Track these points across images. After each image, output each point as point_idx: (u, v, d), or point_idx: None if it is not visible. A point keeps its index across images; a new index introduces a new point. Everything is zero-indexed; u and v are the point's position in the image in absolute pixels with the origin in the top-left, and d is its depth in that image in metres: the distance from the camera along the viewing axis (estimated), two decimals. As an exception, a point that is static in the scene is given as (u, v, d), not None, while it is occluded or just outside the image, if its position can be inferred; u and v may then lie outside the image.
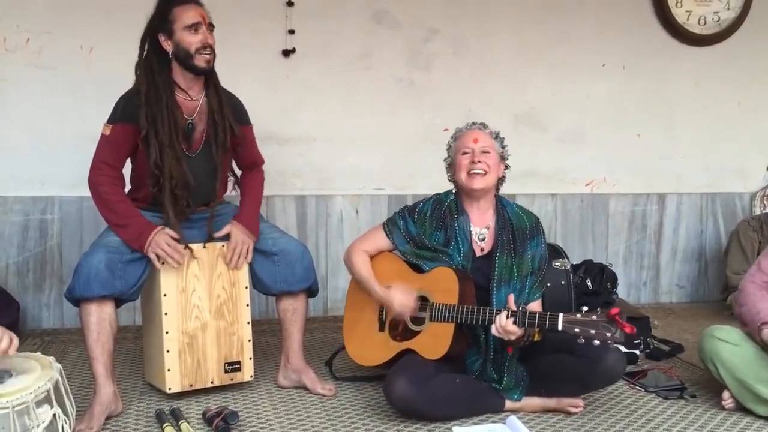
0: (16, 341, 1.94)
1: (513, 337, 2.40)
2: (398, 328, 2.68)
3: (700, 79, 4.39)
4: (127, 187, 2.74)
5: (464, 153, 2.67)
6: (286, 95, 3.88)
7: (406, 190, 4.06)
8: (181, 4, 2.60)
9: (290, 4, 3.81)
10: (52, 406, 1.93)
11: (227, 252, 2.71)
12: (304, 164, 3.96)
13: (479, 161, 2.63)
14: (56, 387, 1.97)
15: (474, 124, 2.75)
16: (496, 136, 2.73)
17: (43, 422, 1.90)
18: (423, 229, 2.71)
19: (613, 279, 3.53)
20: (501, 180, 2.75)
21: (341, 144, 3.99)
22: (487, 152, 2.66)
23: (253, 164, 2.93)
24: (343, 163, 4.00)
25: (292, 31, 3.84)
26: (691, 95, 4.40)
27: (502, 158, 2.72)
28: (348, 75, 3.96)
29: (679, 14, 4.29)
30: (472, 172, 2.63)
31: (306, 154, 3.95)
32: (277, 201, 3.91)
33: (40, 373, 1.96)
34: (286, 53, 3.85)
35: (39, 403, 1.90)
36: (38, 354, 2.09)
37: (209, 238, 2.72)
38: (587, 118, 4.28)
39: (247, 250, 2.72)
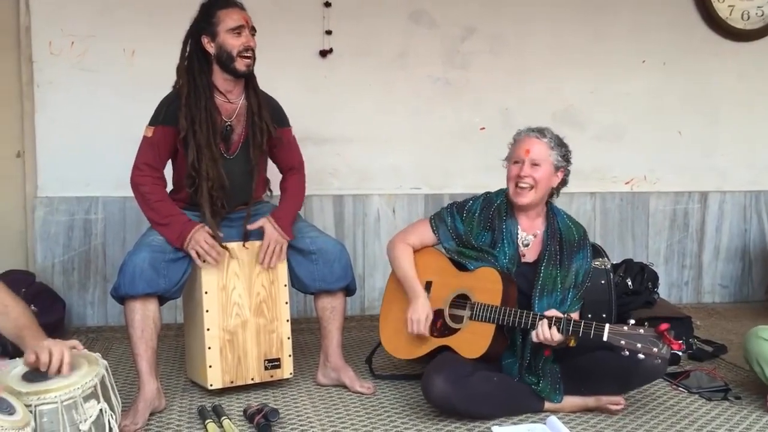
0: (67, 356, 1.97)
1: (554, 344, 2.39)
2: (436, 324, 2.68)
3: (743, 74, 4.30)
4: (169, 188, 2.79)
5: (516, 162, 2.62)
6: (324, 96, 3.90)
7: (442, 190, 4.05)
8: (226, 6, 2.65)
9: (327, 4, 3.84)
10: (98, 402, 1.97)
11: (260, 251, 2.73)
12: (342, 164, 3.98)
13: (525, 175, 2.57)
14: (103, 383, 2.02)
15: (532, 131, 2.64)
16: (554, 146, 2.61)
17: (91, 417, 1.94)
18: (470, 228, 2.69)
19: (654, 278, 3.48)
20: (558, 188, 2.68)
21: (378, 143, 4.00)
22: (537, 165, 2.58)
23: (293, 166, 2.93)
24: (380, 162, 4.01)
25: (329, 32, 3.86)
26: (734, 91, 4.31)
27: (557, 168, 2.62)
28: (385, 75, 3.97)
29: (722, 9, 4.22)
30: (518, 185, 2.59)
31: (343, 153, 3.97)
32: (314, 201, 3.94)
33: (87, 369, 2.01)
34: (324, 54, 3.87)
35: (86, 398, 1.94)
36: (85, 350, 2.14)
37: (246, 237, 2.75)
38: (627, 115, 4.23)
39: (281, 249, 2.74)
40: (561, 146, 2.65)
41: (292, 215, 2.82)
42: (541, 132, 2.64)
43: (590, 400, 2.56)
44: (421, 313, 2.62)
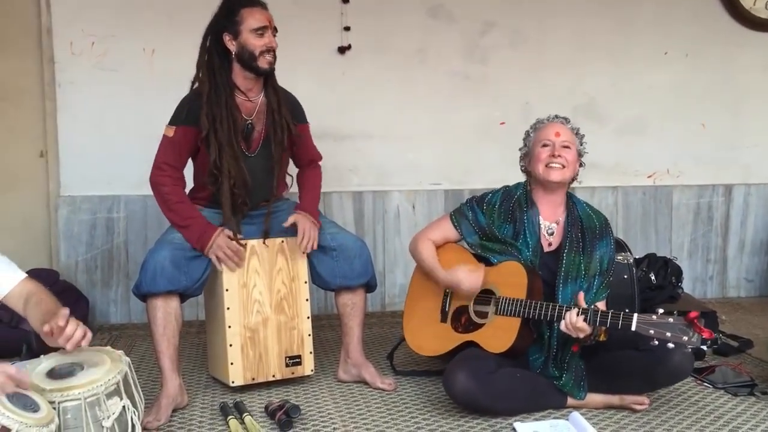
0: (89, 334, 2.01)
1: (582, 335, 2.36)
2: (461, 320, 2.66)
3: (768, 65, 4.25)
4: (189, 186, 2.80)
5: (544, 145, 2.62)
6: (342, 92, 3.90)
7: (463, 185, 4.04)
8: (249, 5, 2.64)
9: (346, 1, 3.83)
10: (121, 398, 1.99)
11: (298, 237, 2.71)
12: (361, 160, 3.98)
13: (559, 155, 2.59)
14: (125, 380, 2.03)
15: (557, 117, 2.70)
16: (577, 133, 2.68)
17: (113, 414, 1.95)
18: (492, 220, 2.68)
19: (678, 273, 3.44)
20: (574, 177, 2.69)
21: (397, 139, 3.99)
22: (568, 147, 2.61)
23: (310, 161, 2.95)
24: (400, 158, 4.00)
25: (347, 28, 3.86)
26: (758, 82, 4.25)
27: (580, 155, 2.67)
28: (403, 70, 3.95)
29: (746, -1, 4.16)
30: (550, 164, 2.59)
31: (362, 150, 3.97)
32: (334, 197, 3.94)
33: (110, 366, 2.02)
34: (342, 50, 3.87)
35: (109, 395, 1.96)
36: (108, 348, 2.16)
37: (266, 234, 2.76)
38: (649, 108, 4.18)
39: (315, 234, 2.74)
40: (579, 136, 2.70)
41: (315, 205, 2.84)
42: (565, 119, 2.71)
43: (614, 399, 2.53)
44: (472, 277, 2.58)
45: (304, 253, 2.75)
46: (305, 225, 2.73)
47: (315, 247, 2.74)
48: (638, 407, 2.52)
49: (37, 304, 2.11)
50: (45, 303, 2.11)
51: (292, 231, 2.74)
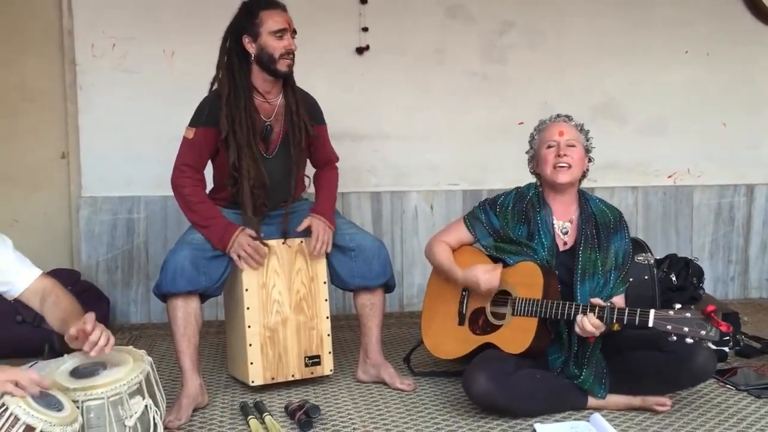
0: (112, 340, 2.02)
1: (597, 333, 2.35)
2: (478, 322, 2.66)
3: (791, 64, 4.20)
4: (210, 186, 2.81)
5: (549, 146, 2.62)
6: (361, 93, 3.90)
7: (481, 185, 4.03)
8: (268, 8, 2.65)
9: (364, 1, 3.83)
10: (144, 398, 2.00)
11: (311, 240, 2.73)
12: (379, 161, 3.98)
13: (565, 155, 2.58)
14: (147, 379, 2.05)
15: (559, 116, 2.70)
16: (581, 129, 2.67)
17: (136, 413, 1.97)
18: (506, 222, 2.68)
19: (699, 273, 3.41)
20: (584, 173, 2.69)
21: (415, 140, 3.99)
22: (573, 146, 2.61)
23: (327, 162, 2.96)
24: (418, 158, 4.00)
25: (365, 29, 3.86)
26: (781, 81, 4.21)
27: (587, 151, 2.67)
28: (422, 71, 3.95)
29: (767, -4, 4.11)
30: (557, 165, 2.58)
31: (380, 150, 3.97)
32: (352, 198, 3.95)
33: (132, 365, 2.04)
34: (360, 51, 3.87)
35: (132, 395, 1.98)
36: (130, 347, 2.18)
37: (284, 234, 2.77)
38: (669, 107, 4.15)
39: (329, 238, 2.75)
40: (584, 131, 2.69)
41: (331, 207, 2.85)
42: (568, 117, 2.70)
43: (636, 400, 2.51)
44: (490, 275, 2.57)
45: (317, 255, 2.75)
46: (319, 228, 2.74)
47: (328, 250, 2.75)
48: (660, 408, 2.50)
49: (55, 303, 2.13)
50: (63, 302, 2.13)
51: (310, 234, 2.75)
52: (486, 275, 2.58)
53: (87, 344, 1.97)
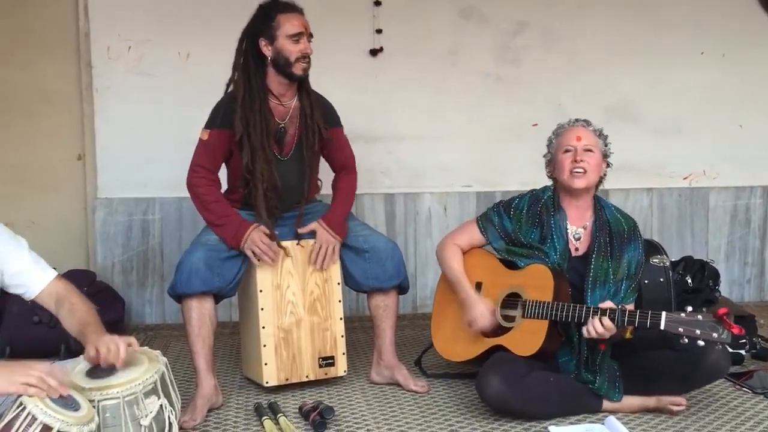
0: (126, 345, 2.02)
1: (606, 336, 2.34)
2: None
3: (807, 64, 4.16)
4: (223, 188, 2.83)
5: (566, 151, 2.60)
6: (374, 94, 3.91)
7: (495, 187, 4.02)
8: (285, 11, 2.65)
9: (377, 3, 3.84)
10: (159, 398, 2.01)
11: (312, 252, 2.74)
12: (393, 162, 3.98)
13: (581, 160, 2.57)
14: (163, 379, 2.06)
15: (577, 121, 2.68)
16: (600, 134, 2.65)
17: (151, 413, 1.98)
18: (519, 225, 2.67)
19: (715, 276, 3.39)
20: (602, 178, 2.67)
21: (429, 141, 3.99)
22: (590, 151, 2.59)
23: (344, 166, 2.94)
24: (432, 160, 4.00)
25: (379, 31, 3.87)
26: (797, 82, 4.17)
27: (605, 156, 2.65)
28: (435, 72, 3.95)
29: (784, -4, 4.08)
30: (574, 171, 2.57)
31: (394, 152, 3.97)
32: (365, 199, 3.95)
33: (147, 365, 2.05)
34: (374, 53, 3.88)
35: (147, 394, 1.99)
36: (145, 348, 2.18)
37: (297, 236, 2.78)
38: (684, 109, 4.12)
39: (333, 250, 2.75)
40: (603, 136, 2.67)
41: (344, 215, 2.83)
42: (586, 122, 2.68)
43: (650, 401, 2.50)
44: (475, 313, 2.60)
45: (315, 267, 2.75)
46: (322, 238, 2.73)
47: (326, 266, 2.75)
48: (676, 408, 2.48)
49: (71, 312, 2.13)
50: (79, 312, 2.13)
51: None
52: (484, 312, 2.58)
53: (102, 361, 1.99)
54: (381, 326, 2.85)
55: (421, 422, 2.48)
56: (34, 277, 2.16)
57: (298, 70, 2.66)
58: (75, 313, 2.12)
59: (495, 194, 3.91)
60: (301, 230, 2.76)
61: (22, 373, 1.79)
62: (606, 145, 2.66)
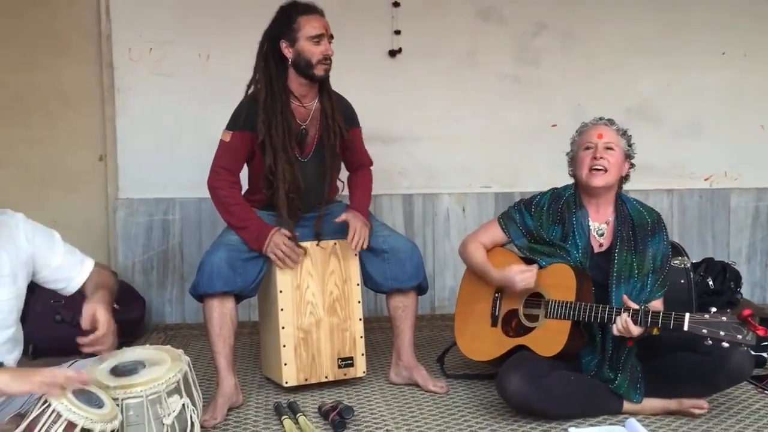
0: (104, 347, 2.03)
1: (635, 334, 2.33)
2: (511, 324, 2.65)
3: (831, 64, 4.11)
4: (244, 188, 2.84)
5: (587, 148, 2.60)
6: (393, 95, 3.91)
7: (513, 188, 4.01)
8: (306, 13, 2.66)
9: (396, 4, 3.85)
10: (181, 396, 2.03)
11: (349, 233, 2.71)
12: (411, 163, 3.99)
13: (601, 157, 2.56)
14: (185, 378, 2.07)
15: (601, 119, 2.67)
16: (623, 134, 2.64)
17: (174, 411, 2.00)
18: (540, 223, 2.67)
19: (737, 278, 3.36)
20: (625, 178, 2.67)
21: (447, 142, 3.98)
22: (611, 149, 2.58)
23: (360, 165, 2.97)
24: (450, 161, 4.00)
25: (398, 32, 3.87)
26: (820, 81, 4.12)
27: (628, 156, 2.64)
28: (454, 73, 3.95)
29: (806, -4, 4.04)
30: (593, 168, 2.57)
31: (412, 152, 3.97)
32: (384, 200, 3.95)
33: (170, 364, 2.07)
34: (393, 54, 3.88)
35: (170, 393, 2.00)
36: (168, 347, 2.20)
37: (318, 236, 2.79)
38: (705, 109, 4.09)
39: (367, 233, 2.75)
40: (627, 136, 2.66)
41: (366, 206, 2.87)
42: (610, 121, 2.68)
43: (672, 403, 2.49)
44: (526, 272, 2.56)
45: (355, 250, 2.75)
46: (356, 224, 2.74)
47: (365, 246, 2.75)
48: (697, 411, 2.47)
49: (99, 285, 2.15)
50: (102, 278, 2.17)
51: (344, 233, 2.76)
52: (522, 275, 2.57)
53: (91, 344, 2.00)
54: (400, 327, 2.86)
55: (440, 423, 2.48)
56: (73, 271, 2.14)
57: (319, 71, 2.67)
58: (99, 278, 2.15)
59: (514, 195, 3.90)
60: (337, 219, 2.74)
61: (42, 374, 1.80)
62: (629, 145, 2.65)
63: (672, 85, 4.06)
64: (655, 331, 2.35)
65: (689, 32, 4.04)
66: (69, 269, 2.13)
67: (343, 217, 2.76)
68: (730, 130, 4.11)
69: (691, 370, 2.41)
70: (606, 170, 2.56)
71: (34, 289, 2.23)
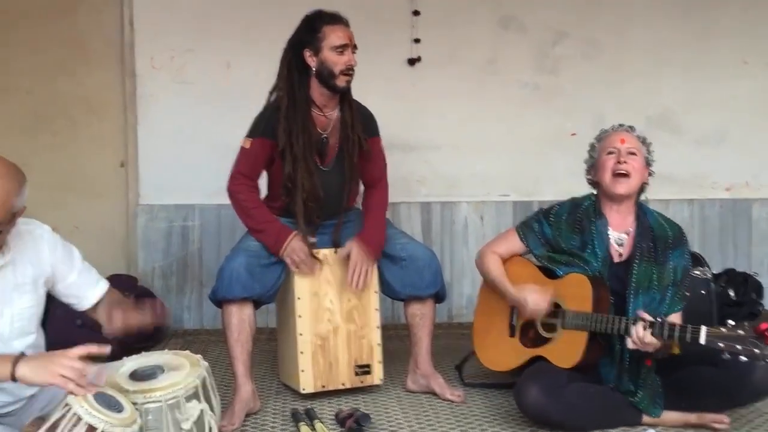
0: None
1: (651, 349, 2.30)
2: (529, 334, 2.64)
3: None
4: (263, 194, 2.86)
5: (610, 153, 2.59)
6: (412, 103, 3.92)
7: (532, 197, 4.00)
8: (331, 23, 2.67)
9: (416, 13, 3.86)
10: (200, 402, 2.03)
11: (349, 269, 2.72)
12: (429, 171, 3.99)
13: (625, 162, 2.55)
14: (204, 384, 2.08)
15: (621, 125, 2.67)
16: (644, 141, 2.64)
17: (192, 417, 2.00)
18: (559, 232, 2.65)
19: (759, 289, 3.33)
20: (644, 186, 2.65)
21: (466, 150, 3.99)
22: (634, 154, 2.57)
23: (377, 179, 2.90)
24: (468, 169, 4.00)
25: (417, 40, 3.88)
26: None
27: (648, 163, 2.63)
28: (473, 81, 3.96)
29: (831, 5, 4.00)
30: (617, 172, 2.55)
31: (431, 161, 3.98)
32: (402, 208, 3.96)
33: (189, 369, 2.08)
34: (412, 62, 3.90)
35: (189, 398, 2.01)
36: (187, 352, 2.21)
37: (336, 244, 2.79)
38: (727, 119, 4.06)
39: (368, 271, 2.73)
40: (647, 143, 2.66)
41: (380, 234, 2.80)
42: (631, 127, 2.67)
43: (692, 417, 2.45)
44: (539, 300, 2.55)
45: (353, 288, 2.73)
46: (358, 258, 2.72)
47: (360, 287, 2.73)
48: (718, 426, 2.43)
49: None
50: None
51: None
52: (534, 297, 2.55)
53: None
54: (417, 335, 2.86)
55: (457, 431, 2.47)
56: (87, 291, 2.18)
57: (341, 82, 2.67)
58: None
59: (532, 204, 3.89)
60: (339, 256, 2.75)
61: (59, 364, 1.81)
62: (649, 153, 2.64)
63: (693, 95, 4.03)
64: (675, 350, 2.32)
65: (711, 42, 4.02)
66: (83, 288, 2.16)
67: (346, 248, 2.74)
68: (752, 140, 4.07)
69: (711, 385, 2.38)
70: (629, 175, 2.55)
71: (54, 293, 2.26)
